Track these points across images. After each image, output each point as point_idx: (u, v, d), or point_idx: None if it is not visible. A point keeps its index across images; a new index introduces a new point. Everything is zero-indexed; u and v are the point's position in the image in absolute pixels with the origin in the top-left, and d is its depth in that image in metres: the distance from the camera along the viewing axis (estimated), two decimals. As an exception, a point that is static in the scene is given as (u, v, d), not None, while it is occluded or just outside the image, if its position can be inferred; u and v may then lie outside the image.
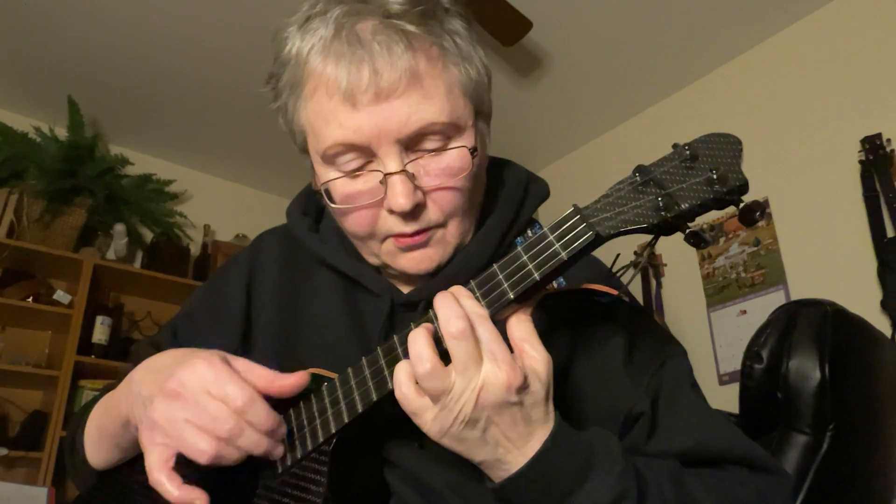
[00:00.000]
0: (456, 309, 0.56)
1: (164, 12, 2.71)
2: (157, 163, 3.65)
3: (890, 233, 2.33)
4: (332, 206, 0.73)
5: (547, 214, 0.84)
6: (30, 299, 2.95)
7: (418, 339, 0.56)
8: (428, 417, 0.57)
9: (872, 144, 2.40)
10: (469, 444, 0.57)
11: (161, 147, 3.63)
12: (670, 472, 0.64)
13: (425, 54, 0.69)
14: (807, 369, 1.13)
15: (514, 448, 0.57)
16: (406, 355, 0.59)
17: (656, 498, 0.60)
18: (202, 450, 0.60)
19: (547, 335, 0.60)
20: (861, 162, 2.44)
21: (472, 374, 0.55)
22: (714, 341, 2.82)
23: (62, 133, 3.22)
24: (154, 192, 3.54)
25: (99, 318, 3.08)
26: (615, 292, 0.64)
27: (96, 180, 3.21)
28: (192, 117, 3.39)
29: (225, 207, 3.81)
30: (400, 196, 0.68)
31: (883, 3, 2.55)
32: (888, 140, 2.40)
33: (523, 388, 0.56)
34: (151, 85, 3.15)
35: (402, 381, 0.57)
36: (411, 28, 0.68)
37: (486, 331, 0.56)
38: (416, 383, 0.57)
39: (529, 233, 0.59)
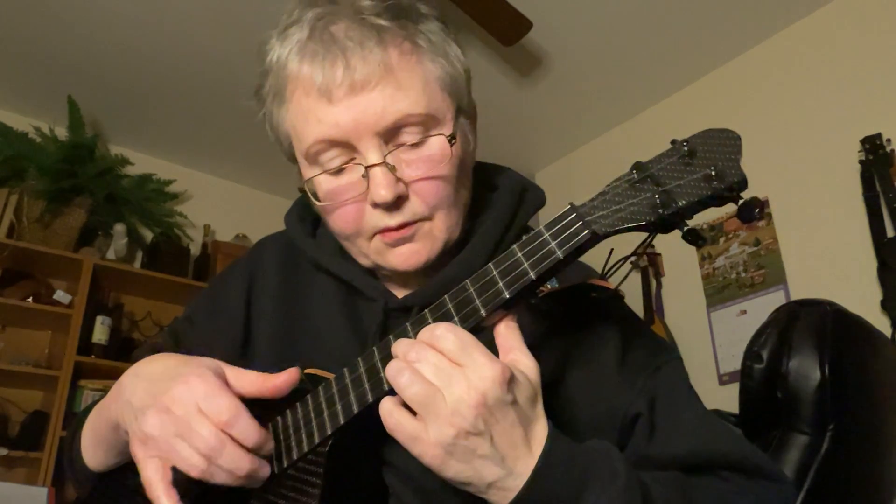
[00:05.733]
0: (405, 342, 0.57)
1: (164, 12, 2.71)
2: (157, 163, 3.65)
3: (890, 233, 2.33)
4: (317, 203, 0.74)
5: (546, 218, 0.84)
6: (30, 299, 2.95)
7: (390, 364, 0.56)
8: (429, 438, 0.54)
9: (872, 144, 2.40)
10: (479, 462, 0.54)
11: (161, 147, 3.63)
12: (679, 488, 0.63)
13: (398, 48, 0.70)
14: (807, 369, 1.13)
15: (519, 458, 0.55)
16: None
17: None
18: (194, 464, 0.60)
19: (540, 342, 0.60)
20: (861, 162, 2.44)
21: (457, 380, 0.53)
22: (714, 341, 2.82)
23: (62, 133, 3.21)
24: (154, 192, 3.54)
25: (99, 318, 3.08)
26: (611, 286, 0.64)
27: (96, 180, 3.21)
28: (193, 117, 3.39)
29: (225, 207, 3.81)
30: (381, 187, 0.68)
31: (883, 3, 2.55)
32: (888, 140, 2.40)
33: (513, 381, 0.54)
34: (152, 85, 3.15)
35: (391, 409, 0.56)
36: (383, 23, 0.69)
37: (451, 342, 0.55)
38: (405, 407, 0.55)
39: (525, 238, 0.58)
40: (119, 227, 3.27)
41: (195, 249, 3.62)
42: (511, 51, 2.79)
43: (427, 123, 0.71)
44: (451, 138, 0.71)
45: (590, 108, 3.38)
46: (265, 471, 0.63)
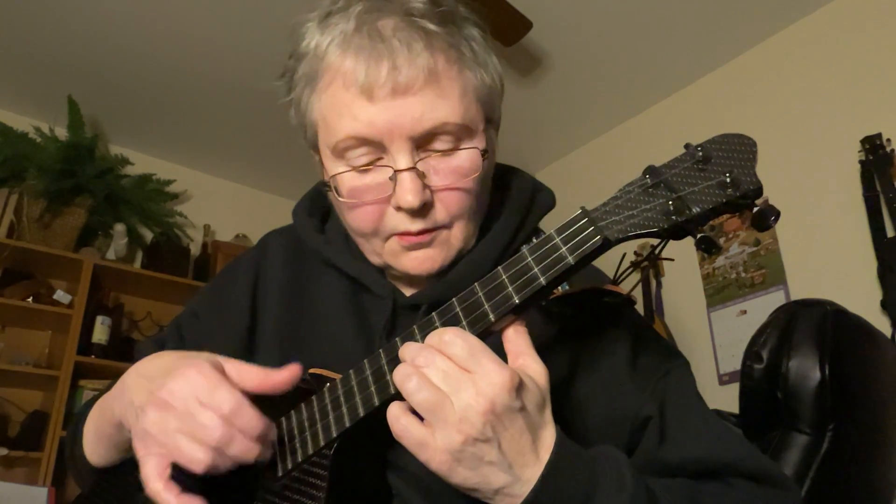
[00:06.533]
0: (413, 346, 0.56)
1: (165, 12, 2.71)
2: (157, 163, 3.65)
3: (890, 233, 2.33)
4: (340, 199, 0.73)
5: (549, 216, 0.84)
6: (30, 299, 2.95)
7: (398, 369, 0.56)
8: (437, 444, 0.54)
9: (872, 144, 2.40)
10: (487, 468, 0.54)
11: (161, 147, 3.63)
12: (687, 495, 0.63)
13: (443, 55, 0.69)
14: (807, 369, 1.13)
15: (527, 464, 0.55)
16: None
17: None
18: (199, 459, 0.59)
19: (550, 344, 0.59)
20: (861, 162, 2.44)
21: (465, 386, 0.53)
22: (714, 341, 2.82)
23: (62, 133, 3.21)
24: (154, 192, 3.54)
25: (99, 318, 3.08)
26: (624, 291, 0.63)
27: (96, 180, 3.21)
28: (193, 117, 3.39)
29: (225, 207, 3.81)
30: (409, 193, 0.68)
31: (883, 3, 2.55)
32: (888, 140, 2.40)
33: (521, 387, 0.54)
34: (151, 84, 3.15)
35: (398, 415, 0.55)
36: (432, 27, 0.69)
37: (460, 347, 0.55)
38: (413, 413, 0.55)
39: (535, 241, 0.57)
40: (119, 227, 3.27)
41: (195, 249, 3.62)
42: (511, 51, 2.78)
43: (460, 133, 0.70)
44: (485, 152, 0.71)
45: (589, 108, 3.38)
46: (270, 453, 0.64)
